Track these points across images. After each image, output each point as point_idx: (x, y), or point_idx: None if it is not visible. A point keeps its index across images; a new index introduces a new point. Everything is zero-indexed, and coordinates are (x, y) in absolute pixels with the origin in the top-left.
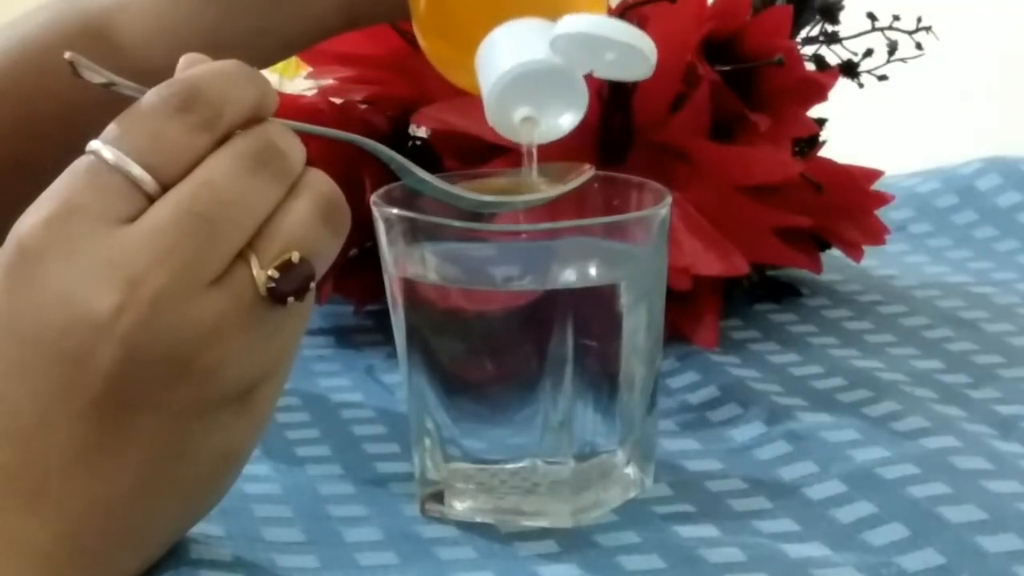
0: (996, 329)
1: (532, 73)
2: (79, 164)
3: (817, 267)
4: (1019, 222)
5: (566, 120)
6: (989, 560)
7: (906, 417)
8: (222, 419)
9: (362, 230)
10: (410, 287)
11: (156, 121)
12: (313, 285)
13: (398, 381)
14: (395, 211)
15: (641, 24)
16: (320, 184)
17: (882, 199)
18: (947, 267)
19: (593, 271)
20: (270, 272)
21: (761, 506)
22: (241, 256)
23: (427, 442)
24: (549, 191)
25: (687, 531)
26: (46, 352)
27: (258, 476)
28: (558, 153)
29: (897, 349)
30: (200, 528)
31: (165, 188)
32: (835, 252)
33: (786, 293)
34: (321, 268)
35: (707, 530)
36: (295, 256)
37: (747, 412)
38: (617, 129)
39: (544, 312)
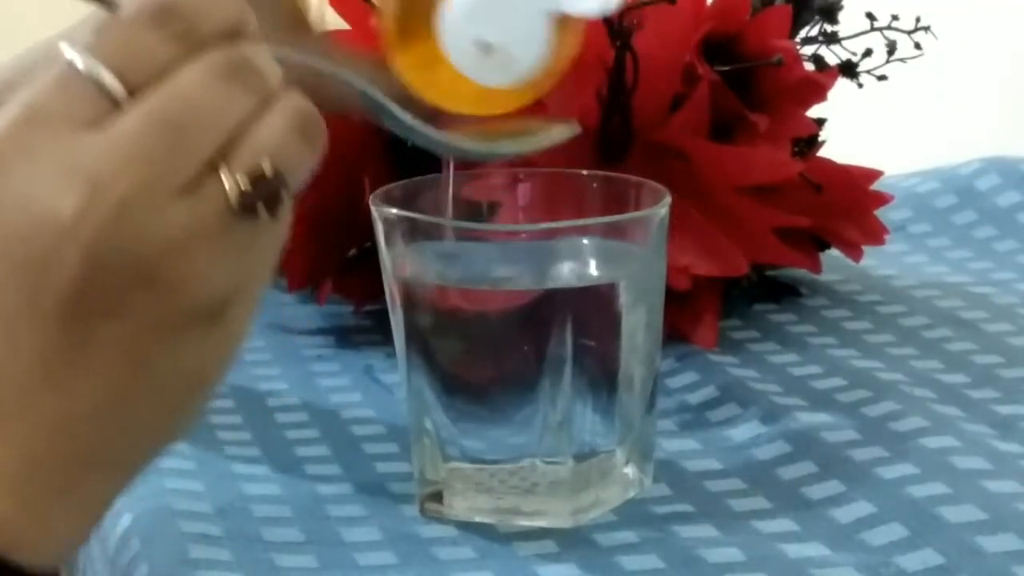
0: (995, 329)
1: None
2: (49, 71)
3: (817, 267)
4: (1018, 222)
5: (521, 60)
6: (988, 560)
7: (905, 417)
8: (190, 337)
9: (361, 230)
10: (409, 287)
11: (131, 31)
12: (286, 199)
13: (397, 381)
14: (394, 211)
15: (639, 25)
16: (295, 99)
17: (881, 199)
18: (946, 267)
19: (592, 271)
20: (240, 180)
21: (761, 506)
22: (212, 167)
23: (426, 442)
24: (531, 142)
25: (686, 531)
26: (8, 259)
27: (257, 476)
28: (558, 153)
29: (896, 349)
30: (200, 528)
31: (134, 98)
32: (835, 252)
33: (785, 293)
34: (295, 183)
35: (706, 530)
36: (267, 166)
37: (746, 412)
38: (616, 129)
39: (543, 312)
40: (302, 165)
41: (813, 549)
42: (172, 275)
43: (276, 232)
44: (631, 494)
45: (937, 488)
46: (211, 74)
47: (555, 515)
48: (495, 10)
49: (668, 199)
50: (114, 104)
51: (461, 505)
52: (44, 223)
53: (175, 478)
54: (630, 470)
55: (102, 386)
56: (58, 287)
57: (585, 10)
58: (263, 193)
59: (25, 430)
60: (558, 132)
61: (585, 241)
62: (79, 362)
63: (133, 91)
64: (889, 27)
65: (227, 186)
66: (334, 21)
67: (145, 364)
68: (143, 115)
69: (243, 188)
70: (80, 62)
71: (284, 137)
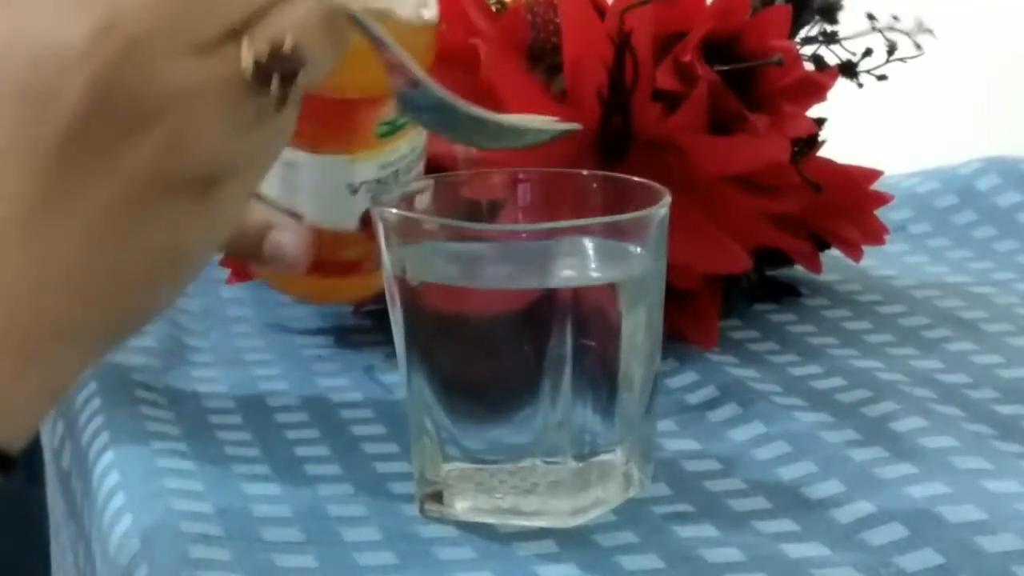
0: (995, 329)
1: None
2: None
3: (817, 267)
4: (1018, 222)
5: None
6: (988, 560)
7: (905, 417)
8: (177, 205)
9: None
10: (409, 286)
11: None
12: (299, 83)
13: (397, 381)
14: (394, 211)
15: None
16: None
17: (881, 199)
18: (946, 267)
19: (592, 271)
20: (258, 50)
21: (760, 506)
22: (234, 36)
23: (426, 442)
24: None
25: (686, 531)
26: (7, 88)
27: (257, 476)
28: (558, 153)
29: (896, 349)
30: (200, 528)
31: None
32: (835, 252)
33: (785, 293)
34: (312, 73)
35: (706, 530)
36: (288, 42)
37: (746, 412)
38: (616, 129)
39: (543, 312)
40: (322, 58)
41: (813, 549)
42: (171, 127)
43: (282, 123)
44: (631, 494)
45: (937, 488)
46: None
47: (555, 515)
48: None
49: (668, 199)
50: None
51: (461, 505)
52: (51, 52)
53: (175, 478)
54: (630, 470)
55: (78, 245)
56: (55, 121)
57: None
58: (279, 66)
59: None
60: (562, 126)
61: (585, 241)
62: (59, 213)
63: None
64: (889, 27)
65: (244, 54)
66: None
67: (127, 223)
68: None
69: (260, 58)
70: None
71: (310, 25)
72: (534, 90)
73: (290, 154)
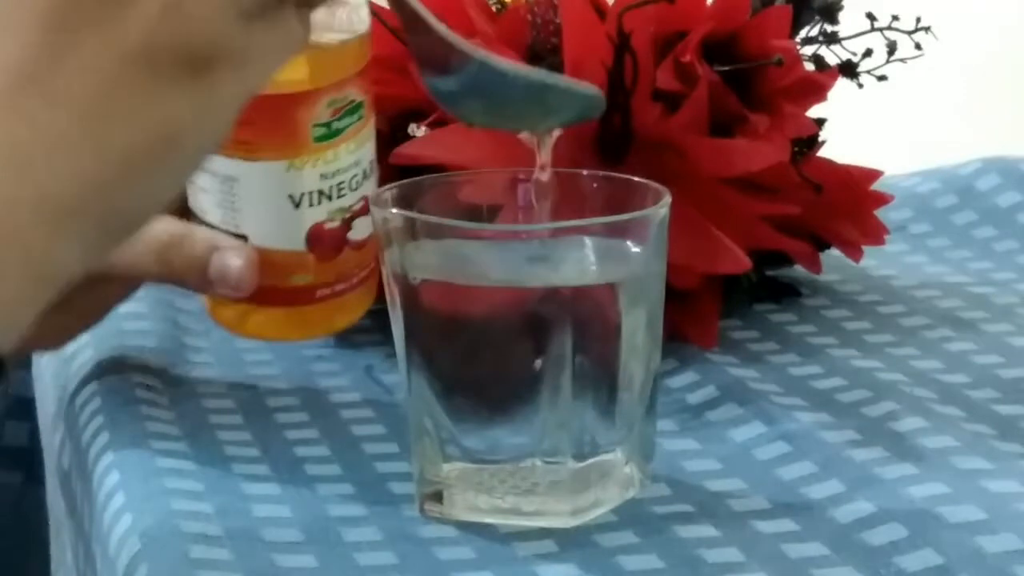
0: (995, 329)
1: None
2: None
3: (817, 267)
4: (1018, 222)
5: None
6: (988, 560)
7: (905, 417)
8: (169, 87)
9: None
10: (408, 286)
11: None
12: None
13: (397, 381)
14: (394, 211)
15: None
16: None
17: (881, 199)
18: (947, 267)
19: (592, 271)
20: None
21: (760, 506)
22: None
23: (426, 442)
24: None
25: (686, 531)
26: None
27: (257, 476)
28: (558, 153)
29: (896, 349)
30: (200, 528)
31: None
32: (835, 252)
33: (786, 293)
34: None
35: (706, 530)
36: None
37: (746, 412)
38: (616, 129)
39: (543, 312)
40: None
41: (813, 549)
42: None
43: (288, 28)
44: (631, 494)
45: (937, 488)
46: None
47: (555, 515)
48: None
49: (668, 199)
50: None
51: (461, 505)
52: None
53: (175, 478)
54: (630, 470)
55: (66, 118)
56: None
57: None
58: None
59: None
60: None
61: (585, 241)
62: (47, 84)
63: None
64: (889, 27)
65: None
66: None
67: (116, 98)
68: None
69: None
70: None
71: None
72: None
73: (228, 167)
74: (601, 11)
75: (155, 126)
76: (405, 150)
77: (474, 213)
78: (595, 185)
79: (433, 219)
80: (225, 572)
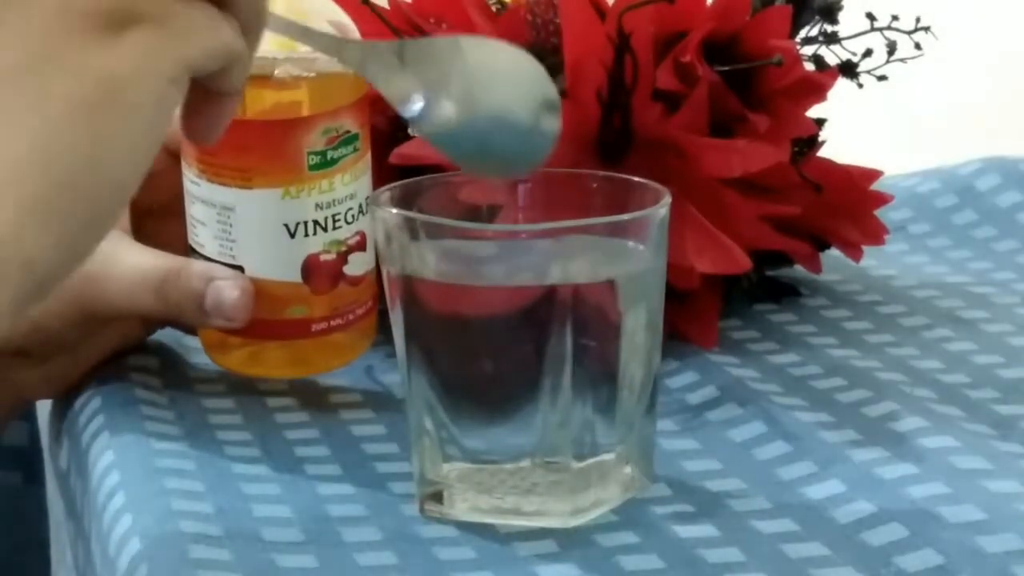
0: (995, 329)
1: None
2: None
3: (817, 267)
4: (1018, 222)
5: None
6: (988, 560)
7: (905, 417)
8: (96, 45)
9: None
10: (408, 286)
11: None
12: None
13: (397, 381)
14: (394, 211)
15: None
16: None
17: (881, 199)
18: (946, 267)
19: (592, 271)
20: None
21: (761, 506)
22: None
23: (426, 442)
24: None
25: (686, 531)
26: None
27: (257, 476)
28: (558, 153)
29: (896, 349)
30: (200, 528)
31: None
32: (835, 252)
33: (785, 293)
34: None
35: (707, 530)
36: None
37: (746, 412)
38: (616, 129)
39: (543, 312)
40: None
41: (813, 549)
42: None
43: (209, 14)
44: (631, 494)
45: (937, 488)
46: None
47: (555, 515)
48: None
49: (668, 199)
50: None
51: (461, 505)
52: None
53: (175, 478)
54: (630, 470)
55: (2, 83)
56: None
57: None
58: None
59: None
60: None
61: (585, 241)
62: None
63: None
64: (889, 27)
65: None
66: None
67: (41, 57)
68: None
69: None
70: None
71: None
72: None
73: (224, 195)
74: (601, 11)
75: (84, 82)
76: (405, 150)
77: (474, 213)
78: (595, 185)
79: (433, 219)
80: (225, 572)
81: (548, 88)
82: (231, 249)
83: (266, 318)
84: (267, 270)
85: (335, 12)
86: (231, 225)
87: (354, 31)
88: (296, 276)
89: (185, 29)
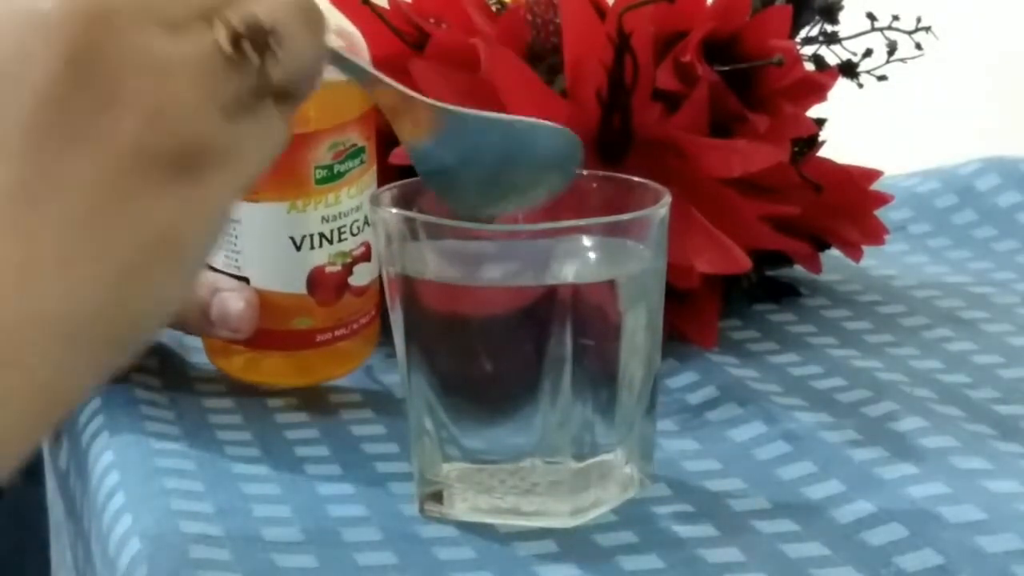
0: (995, 329)
1: None
2: None
3: (816, 267)
4: (1018, 222)
5: None
6: (988, 560)
7: (905, 417)
8: (164, 189)
9: None
10: (408, 286)
11: None
12: (281, 65)
13: (397, 381)
14: (394, 211)
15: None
16: None
17: (881, 199)
18: (946, 267)
19: (592, 271)
20: (235, 23)
21: (760, 506)
22: (206, 19)
23: (426, 442)
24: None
25: (686, 531)
26: None
27: (257, 476)
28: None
29: (896, 349)
30: (200, 528)
31: None
32: (835, 252)
33: (785, 293)
34: (290, 61)
35: (706, 530)
36: (264, 17)
37: (746, 412)
38: (616, 129)
39: (543, 312)
40: (299, 43)
41: (813, 549)
42: (150, 100)
43: (274, 118)
44: (631, 494)
45: (937, 488)
46: None
47: (555, 515)
48: None
49: (668, 199)
50: None
51: (461, 505)
52: (24, 20)
53: (175, 478)
54: (630, 470)
55: (64, 229)
56: (29, 96)
57: None
58: (253, 35)
59: None
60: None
61: (585, 241)
62: (41, 197)
63: None
64: (889, 27)
65: (217, 28)
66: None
67: (111, 204)
68: None
69: (236, 29)
70: None
71: (290, 12)
72: (535, 87)
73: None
74: (601, 11)
75: (151, 231)
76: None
77: (473, 214)
78: (595, 185)
79: (433, 219)
80: (225, 572)
81: (571, 169)
82: (236, 260)
83: (270, 328)
84: (272, 282)
85: (339, 17)
86: (237, 237)
87: (360, 42)
88: (301, 288)
89: (247, 156)
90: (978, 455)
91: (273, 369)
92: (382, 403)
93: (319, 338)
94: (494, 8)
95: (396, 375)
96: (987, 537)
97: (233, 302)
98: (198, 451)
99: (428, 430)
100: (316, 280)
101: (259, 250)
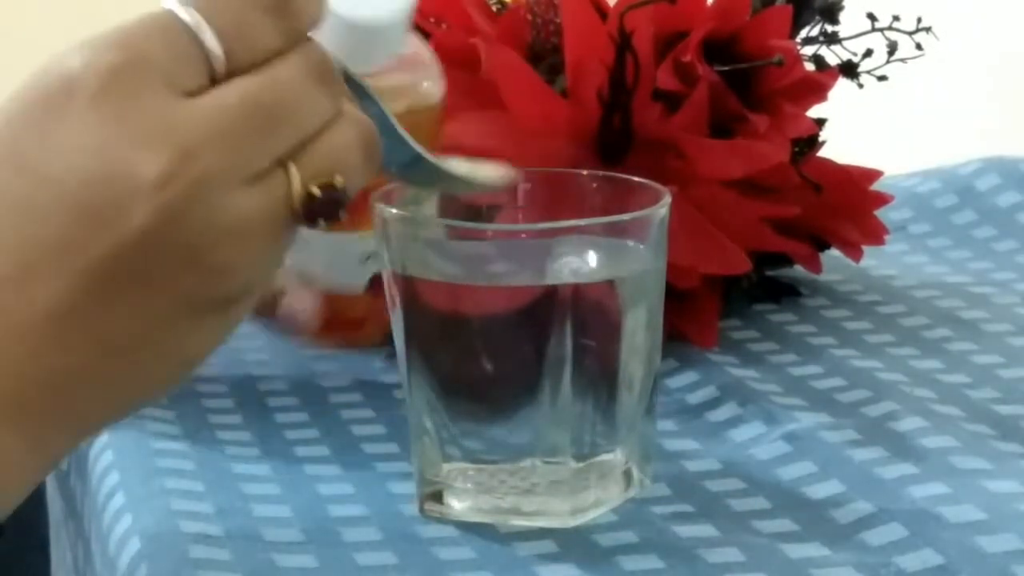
0: (995, 329)
1: None
2: (152, 20)
3: (817, 267)
4: (1018, 222)
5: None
6: (988, 560)
7: (905, 417)
8: (204, 321)
9: None
10: (408, 286)
11: (245, 8)
12: (342, 213)
13: (397, 381)
14: (394, 210)
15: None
16: (363, 119)
17: (881, 199)
18: (946, 267)
19: (592, 271)
20: (312, 189)
21: (760, 506)
22: (281, 163)
23: (426, 442)
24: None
25: (686, 531)
26: (66, 199)
27: (257, 476)
28: (558, 154)
29: (896, 349)
30: (200, 528)
31: (229, 76)
32: (835, 252)
33: (785, 293)
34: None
35: (706, 530)
36: (339, 180)
37: (746, 412)
38: (616, 130)
39: (543, 312)
40: (360, 184)
41: (813, 549)
42: (221, 261)
43: (295, 234)
44: (631, 494)
45: (937, 488)
46: (308, 72)
47: (555, 515)
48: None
49: (668, 199)
50: (209, 75)
51: (461, 505)
52: (120, 178)
53: (175, 478)
54: (630, 470)
55: (102, 350)
56: (107, 245)
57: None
58: (328, 205)
59: (11, 370)
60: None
61: (585, 241)
62: (89, 322)
63: (231, 67)
64: (890, 27)
65: (295, 188)
66: None
67: (152, 335)
68: (240, 94)
69: (313, 194)
70: (188, 17)
71: (355, 153)
72: (536, 87)
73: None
74: (602, 11)
75: (185, 355)
76: None
77: (474, 213)
78: (595, 185)
79: (433, 218)
80: (225, 572)
81: None
82: (305, 261)
83: (328, 318)
84: (337, 286)
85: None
86: (308, 250)
87: (430, 63)
88: (362, 289)
89: (271, 276)
90: (978, 455)
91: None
92: (382, 403)
93: (369, 322)
94: (494, 8)
95: (396, 375)
96: (987, 537)
97: (300, 306)
98: (198, 451)
99: (428, 430)
100: (377, 282)
101: (328, 264)
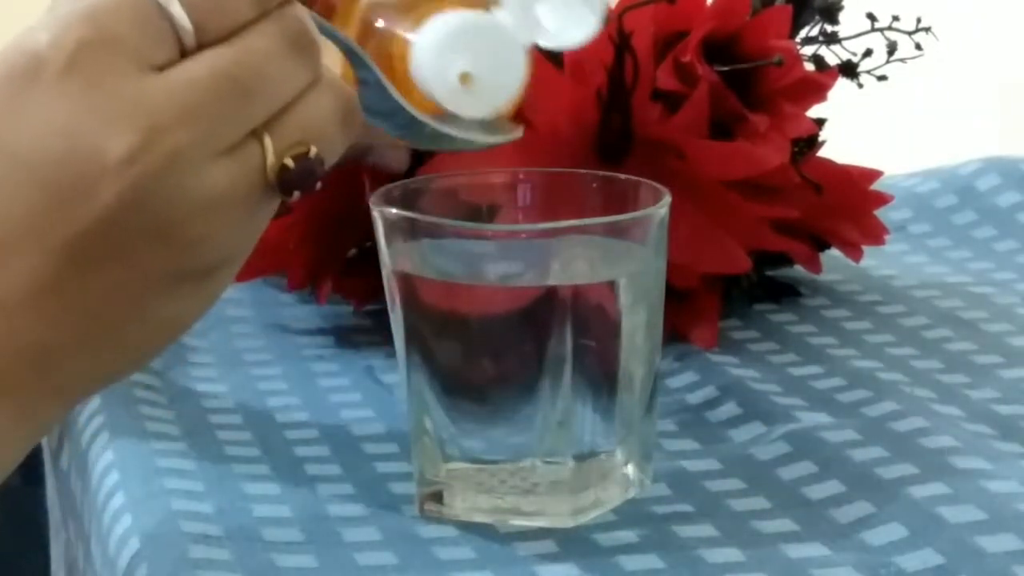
0: (995, 329)
1: (473, 27)
2: None
3: (817, 267)
4: (1018, 222)
5: (503, 86)
6: (988, 560)
7: (905, 417)
8: (182, 291)
9: (361, 230)
10: (408, 286)
11: None
12: (318, 183)
13: (397, 381)
14: (394, 211)
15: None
16: (342, 85)
17: (881, 199)
18: (946, 267)
19: (592, 271)
20: (286, 160)
21: (760, 506)
22: (255, 135)
23: (426, 442)
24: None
25: (686, 531)
26: (35, 177)
27: (257, 476)
28: (558, 153)
29: (896, 349)
30: (200, 528)
31: (200, 48)
32: (835, 252)
33: (785, 293)
34: (328, 165)
35: (706, 530)
36: (313, 150)
37: (746, 412)
38: (616, 130)
39: (543, 312)
40: (337, 154)
41: (813, 549)
42: (193, 234)
43: (276, 204)
44: (631, 494)
45: (937, 488)
46: (281, 43)
47: (555, 515)
48: (472, 41)
49: (668, 199)
50: (179, 49)
51: (461, 505)
52: (89, 156)
53: (175, 478)
54: (630, 470)
55: (85, 322)
56: (81, 221)
57: (566, 43)
58: (302, 176)
59: None
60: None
61: (585, 241)
62: (70, 296)
63: (201, 40)
64: (890, 27)
65: (268, 159)
66: None
67: (134, 310)
68: (210, 69)
69: (287, 165)
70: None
71: (331, 122)
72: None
73: None
74: None
75: (168, 323)
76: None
77: (474, 213)
78: (595, 185)
79: (433, 219)
80: (225, 572)
81: None
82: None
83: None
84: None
85: None
86: None
87: None
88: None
89: (254, 243)
90: (978, 455)
91: None
92: (382, 403)
93: None
94: None
95: (396, 375)
96: (987, 537)
97: (389, 156)
98: (198, 451)
99: (428, 430)
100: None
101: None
